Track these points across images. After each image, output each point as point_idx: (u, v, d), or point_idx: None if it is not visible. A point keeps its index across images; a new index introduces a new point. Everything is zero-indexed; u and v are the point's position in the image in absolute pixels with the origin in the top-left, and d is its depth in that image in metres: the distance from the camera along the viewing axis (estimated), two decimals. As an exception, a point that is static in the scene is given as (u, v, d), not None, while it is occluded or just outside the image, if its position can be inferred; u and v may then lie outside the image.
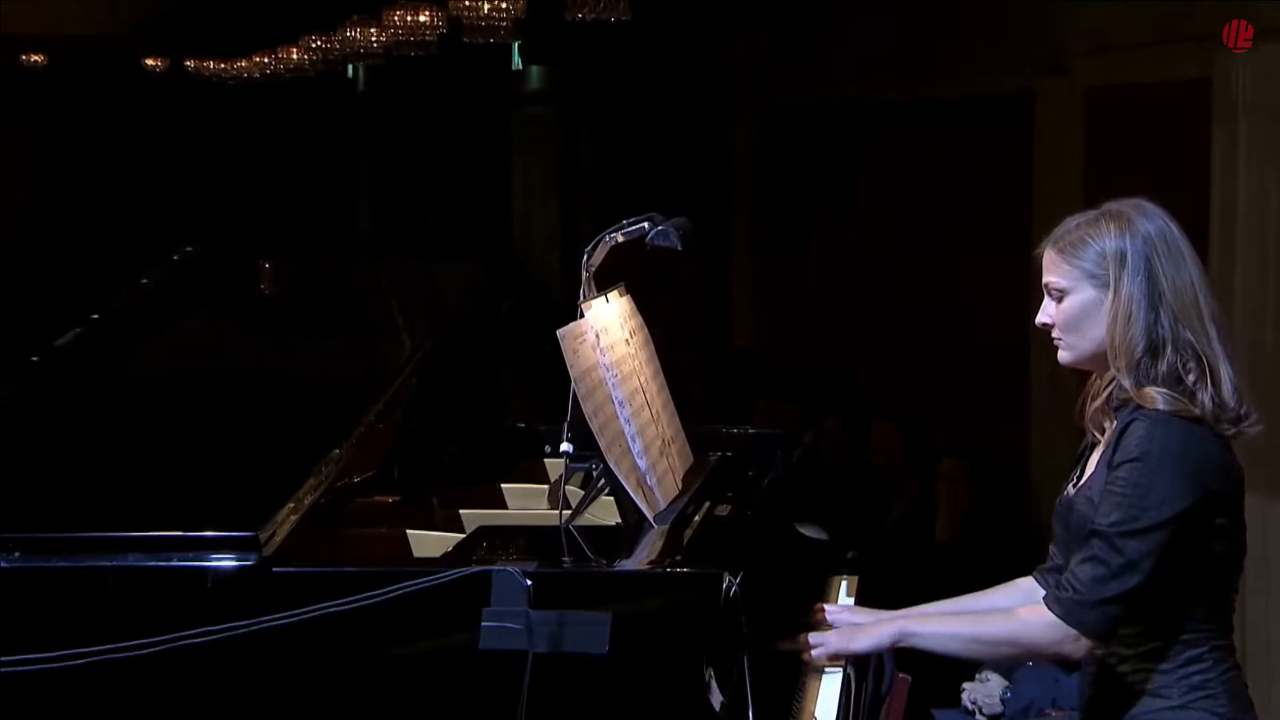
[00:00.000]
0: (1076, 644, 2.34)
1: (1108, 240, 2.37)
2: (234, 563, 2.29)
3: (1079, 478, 2.46)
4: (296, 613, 2.13)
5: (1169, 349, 2.33)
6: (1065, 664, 2.96)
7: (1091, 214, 2.42)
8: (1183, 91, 5.02)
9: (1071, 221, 2.43)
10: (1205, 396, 2.31)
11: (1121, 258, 2.35)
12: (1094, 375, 2.45)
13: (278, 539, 2.34)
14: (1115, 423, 2.37)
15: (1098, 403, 2.42)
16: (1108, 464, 2.34)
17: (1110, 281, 2.36)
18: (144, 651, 2.10)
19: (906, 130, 7.00)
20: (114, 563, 2.29)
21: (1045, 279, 2.43)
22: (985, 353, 6.23)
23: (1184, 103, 4.99)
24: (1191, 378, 2.32)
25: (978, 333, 6.36)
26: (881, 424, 5.92)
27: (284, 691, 2.24)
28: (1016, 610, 2.44)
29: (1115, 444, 2.33)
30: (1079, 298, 2.39)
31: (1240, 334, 4.57)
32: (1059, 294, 2.41)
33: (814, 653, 2.52)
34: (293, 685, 2.24)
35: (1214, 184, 4.80)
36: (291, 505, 2.43)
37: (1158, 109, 5.26)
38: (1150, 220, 2.38)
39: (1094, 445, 2.46)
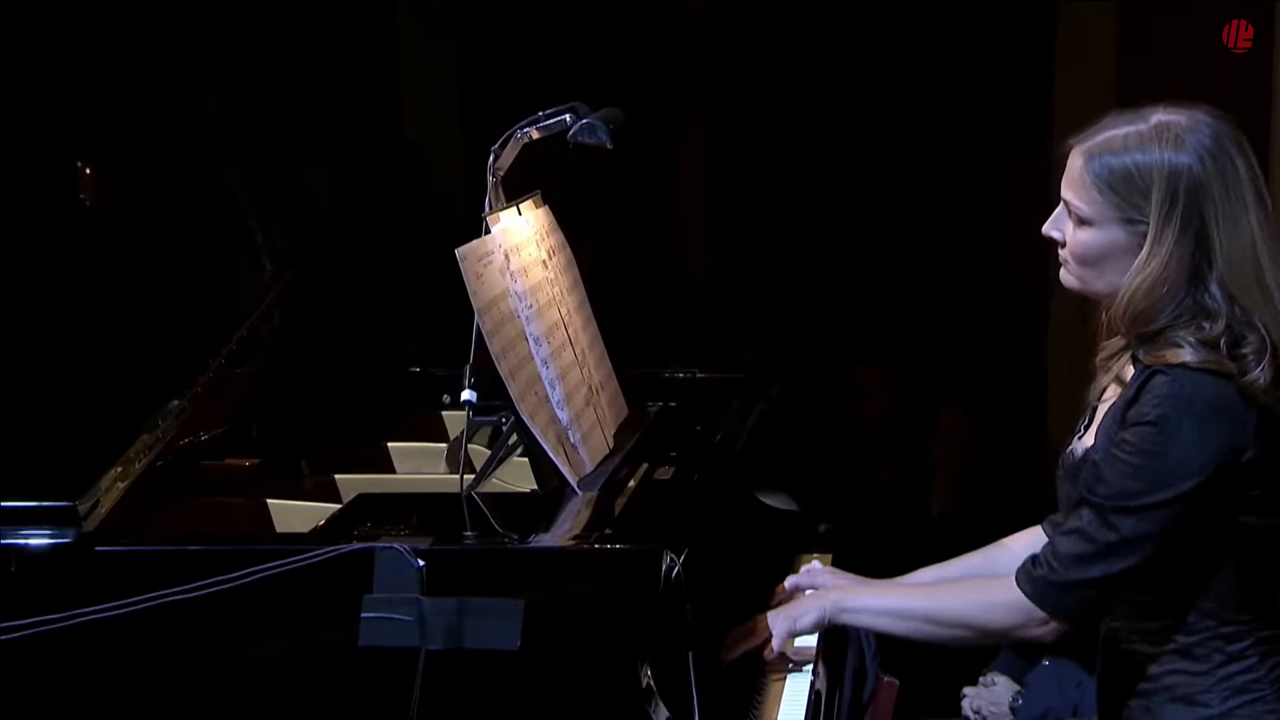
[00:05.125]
0: (1043, 628, 2.37)
1: (1155, 171, 2.29)
2: (46, 540, 2.29)
3: (1087, 429, 2.46)
4: (126, 602, 2.13)
5: (1219, 322, 2.27)
6: (1089, 665, 3.01)
7: (1140, 124, 2.33)
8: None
9: (1115, 127, 2.34)
10: (1262, 375, 2.25)
11: (1170, 201, 2.28)
12: (1106, 305, 2.42)
13: (102, 510, 2.34)
14: (1135, 369, 2.36)
15: (1114, 341, 2.42)
16: (1119, 418, 2.34)
17: (1151, 232, 2.29)
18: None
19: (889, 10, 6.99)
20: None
21: (1065, 192, 2.38)
22: (994, 283, 6.26)
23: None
24: (1247, 349, 2.27)
25: (983, 258, 6.39)
26: (866, 370, 5.96)
27: (111, 700, 2.24)
28: (980, 584, 2.48)
29: (1134, 397, 2.32)
30: (1104, 235, 2.34)
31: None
32: (1080, 219, 2.36)
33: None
34: (122, 692, 2.24)
35: (1276, 83, 4.83)
36: (119, 469, 2.43)
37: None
38: (1208, 146, 2.29)
39: (1105, 391, 2.46)
